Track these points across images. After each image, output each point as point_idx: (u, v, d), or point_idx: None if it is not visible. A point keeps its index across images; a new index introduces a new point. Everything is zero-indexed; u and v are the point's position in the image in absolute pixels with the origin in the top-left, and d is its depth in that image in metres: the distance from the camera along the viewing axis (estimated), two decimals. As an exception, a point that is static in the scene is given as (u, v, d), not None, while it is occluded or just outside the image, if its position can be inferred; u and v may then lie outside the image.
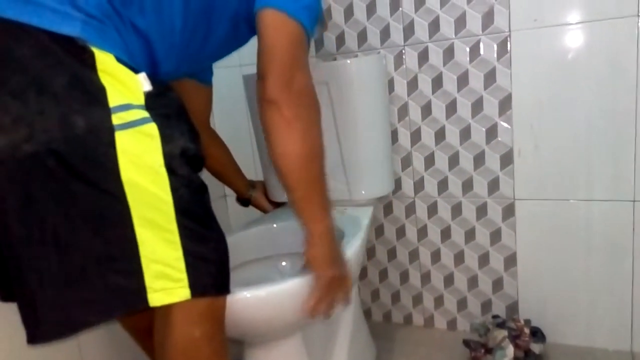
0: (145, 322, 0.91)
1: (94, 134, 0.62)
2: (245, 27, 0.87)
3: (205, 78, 1.15)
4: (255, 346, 0.99)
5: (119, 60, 0.65)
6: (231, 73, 1.50)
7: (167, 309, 0.70)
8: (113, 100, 0.63)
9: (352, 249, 1.01)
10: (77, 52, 0.63)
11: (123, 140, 0.63)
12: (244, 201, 1.37)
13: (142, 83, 0.67)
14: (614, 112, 1.14)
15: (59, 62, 0.62)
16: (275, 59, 0.76)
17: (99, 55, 0.64)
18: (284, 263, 1.23)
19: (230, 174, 1.31)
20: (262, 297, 0.83)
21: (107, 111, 0.63)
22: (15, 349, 0.99)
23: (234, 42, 0.91)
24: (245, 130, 1.55)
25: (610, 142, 1.16)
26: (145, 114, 0.65)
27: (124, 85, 0.65)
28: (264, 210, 1.37)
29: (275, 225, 1.23)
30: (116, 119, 0.63)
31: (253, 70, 1.28)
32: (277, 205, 1.38)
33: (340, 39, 1.36)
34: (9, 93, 0.61)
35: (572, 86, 1.17)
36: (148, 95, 0.66)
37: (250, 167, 1.53)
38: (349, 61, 1.19)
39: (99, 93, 0.63)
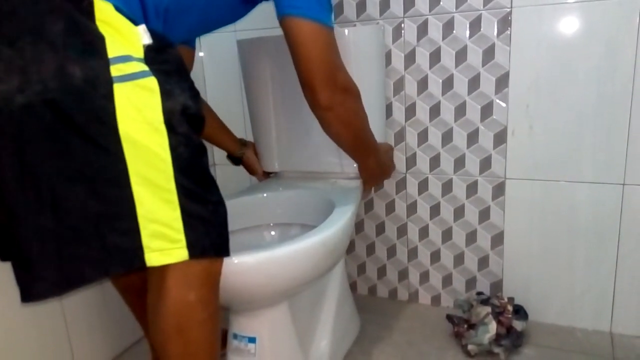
0: (137, 282, 0.90)
1: (92, 85, 0.59)
2: (242, 10, 0.91)
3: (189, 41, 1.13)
4: (241, 314, 0.99)
5: (118, 9, 0.62)
6: (226, 38, 1.47)
7: (162, 270, 0.69)
8: (112, 51, 0.60)
9: (341, 222, 1.01)
10: None
11: (122, 93, 0.60)
12: (235, 159, 1.36)
13: (142, 35, 0.64)
14: (609, 95, 1.14)
15: (56, 8, 0.59)
16: (318, 69, 0.83)
17: (98, 4, 0.61)
18: (272, 233, 1.23)
19: (219, 134, 1.30)
20: (250, 263, 0.83)
21: (105, 61, 0.60)
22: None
23: (230, 19, 0.95)
24: (237, 94, 1.53)
25: (604, 124, 1.16)
26: (144, 67, 0.63)
27: (123, 37, 0.62)
28: (255, 171, 1.36)
29: (265, 195, 1.22)
30: (115, 70, 0.60)
31: (247, 35, 1.28)
32: (268, 174, 1.36)
33: (339, 8, 1.33)
34: (1, 40, 0.58)
35: (569, 67, 1.15)
36: (148, 49, 0.64)
37: (241, 130, 1.51)
38: (346, 31, 1.16)
39: (97, 42, 0.60)
